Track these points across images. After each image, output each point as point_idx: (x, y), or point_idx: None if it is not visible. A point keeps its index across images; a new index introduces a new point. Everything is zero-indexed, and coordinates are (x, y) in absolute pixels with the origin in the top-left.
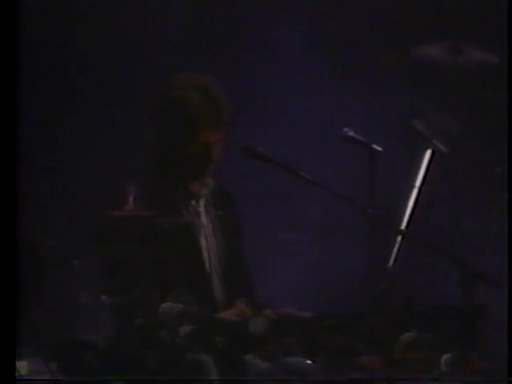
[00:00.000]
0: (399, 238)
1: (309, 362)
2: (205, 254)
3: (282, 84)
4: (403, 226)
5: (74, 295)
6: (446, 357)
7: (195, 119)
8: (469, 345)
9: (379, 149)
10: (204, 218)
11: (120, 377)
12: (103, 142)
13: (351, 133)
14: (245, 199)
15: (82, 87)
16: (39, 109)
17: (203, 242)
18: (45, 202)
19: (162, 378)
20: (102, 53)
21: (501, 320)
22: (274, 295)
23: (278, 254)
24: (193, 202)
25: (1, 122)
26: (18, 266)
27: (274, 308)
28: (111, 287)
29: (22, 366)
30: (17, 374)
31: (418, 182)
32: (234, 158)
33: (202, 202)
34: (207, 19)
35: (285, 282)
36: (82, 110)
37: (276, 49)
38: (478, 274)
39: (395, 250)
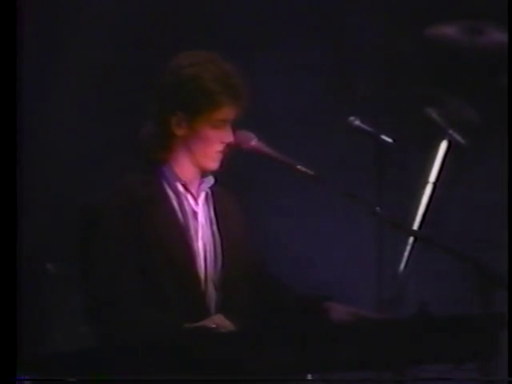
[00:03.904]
0: (411, 240)
1: (310, 376)
2: (199, 260)
3: (282, 70)
4: (416, 226)
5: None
6: None
7: (217, 94)
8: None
9: (389, 140)
10: (202, 219)
11: (119, 377)
12: (91, 136)
13: (357, 122)
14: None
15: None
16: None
17: (199, 246)
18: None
19: (162, 378)
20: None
21: None
22: None
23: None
24: (190, 200)
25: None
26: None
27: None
28: (93, 291)
29: None
30: None
31: (432, 177)
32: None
33: (200, 201)
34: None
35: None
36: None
37: (276, 33)
38: (499, 279)
39: (406, 252)
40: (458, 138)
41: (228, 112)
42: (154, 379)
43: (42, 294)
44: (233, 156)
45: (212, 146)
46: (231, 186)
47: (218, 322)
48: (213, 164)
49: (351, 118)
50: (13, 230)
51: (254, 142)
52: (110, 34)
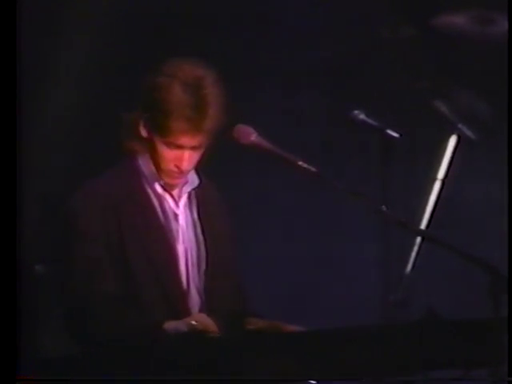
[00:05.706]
0: (418, 240)
1: (313, 382)
2: (181, 264)
3: (284, 66)
4: (423, 225)
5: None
6: None
7: (170, 117)
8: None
9: (395, 135)
10: (183, 222)
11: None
12: (90, 136)
13: (362, 116)
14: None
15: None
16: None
17: (181, 249)
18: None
19: (162, 378)
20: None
21: None
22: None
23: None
24: (170, 202)
25: None
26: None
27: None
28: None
29: None
30: None
31: (440, 174)
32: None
33: (181, 203)
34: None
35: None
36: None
37: (277, 24)
38: (508, 280)
39: (414, 253)
40: (468, 132)
41: (182, 140)
42: (152, 379)
43: (41, 294)
44: (224, 153)
45: (166, 164)
46: (217, 185)
47: (200, 319)
48: (169, 180)
49: (356, 112)
50: (12, 230)
51: (254, 137)
52: (109, 34)
